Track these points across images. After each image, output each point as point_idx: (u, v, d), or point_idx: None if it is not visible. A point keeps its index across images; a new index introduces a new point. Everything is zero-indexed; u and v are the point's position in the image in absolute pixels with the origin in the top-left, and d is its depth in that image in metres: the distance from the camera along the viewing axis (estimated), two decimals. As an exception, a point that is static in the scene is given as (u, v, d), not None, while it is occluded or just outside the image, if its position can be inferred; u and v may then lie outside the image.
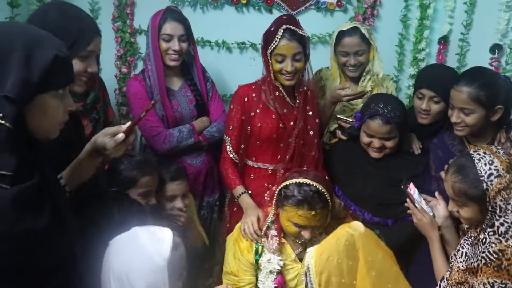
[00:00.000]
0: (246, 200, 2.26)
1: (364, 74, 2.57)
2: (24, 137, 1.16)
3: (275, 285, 1.97)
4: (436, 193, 1.98)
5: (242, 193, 2.29)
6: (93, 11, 2.96)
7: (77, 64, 1.64)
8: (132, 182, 1.99)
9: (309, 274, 1.46)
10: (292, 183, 1.91)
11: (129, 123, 1.50)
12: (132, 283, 1.31)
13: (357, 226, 1.50)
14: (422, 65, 3.15)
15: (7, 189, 1.05)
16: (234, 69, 3.08)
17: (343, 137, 2.43)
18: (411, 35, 3.19)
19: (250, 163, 2.39)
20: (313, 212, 1.85)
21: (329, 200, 1.90)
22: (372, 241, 1.45)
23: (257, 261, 2.01)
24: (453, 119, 2.01)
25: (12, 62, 1.09)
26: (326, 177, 2.07)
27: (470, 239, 1.71)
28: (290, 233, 1.96)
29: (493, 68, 2.74)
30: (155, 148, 2.44)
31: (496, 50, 2.77)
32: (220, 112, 2.60)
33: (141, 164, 2.03)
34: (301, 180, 1.90)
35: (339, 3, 3.10)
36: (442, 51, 3.17)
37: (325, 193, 1.88)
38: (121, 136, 1.44)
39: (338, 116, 2.53)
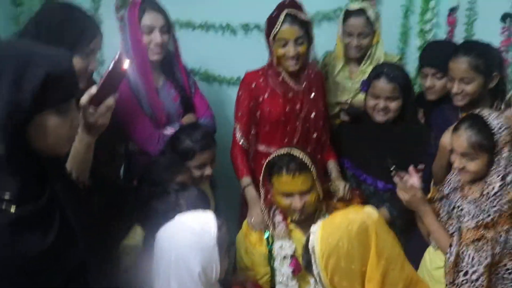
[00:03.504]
0: (250, 193, 2.29)
1: (366, 58, 2.58)
2: (30, 156, 1.15)
3: (292, 268, 2.01)
4: (410, 168, 2.03)
5: (248, 185, 2.32)
6: (94, 1, 2.96)
7: (78, 63, 1.65)
8: (191, 155, 2.11)
9: (314, 256, 1.42)
10: (270, 158, 2.04)
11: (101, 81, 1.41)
12: (189, 265, 1.44)
13: (370, 211, 1.44)
14: (429, 36, 3.09)
15: (11, 212, 1.06)
16: (240, 52, 3.06)
17: (345, 118, 2.52)
18: (417, 7, 3.12)
19: (261, 148, 2.41)
20: (292, 174, 1.94)
21: (307, 164, 1.97)
22: (384, 227, 1.42)
23: (270, 251, 2.05)
24: (454, 89, 2.12)
25: (2, 86, 1.06)
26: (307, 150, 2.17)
27: (461, 199, 1.86)
28: (283, 207, 2.02)
29: (503, 38, 2.72)
30: (149, 150, 2.28)
31: (508, 19, 2.74)
32: (205, 108, 2.50)
33: (200, 138, 2.15)
34: (276, 153, 2.04)
35: (342, -22, 3.05)
36: (453, 22, 3.10)
37: (299, 156, 1.97)
38: (93, 88, 1.39)
39: (337, 101, 2.58)
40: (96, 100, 1.39)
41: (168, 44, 2.33)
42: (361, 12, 2.50)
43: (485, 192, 1.78)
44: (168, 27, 2.30)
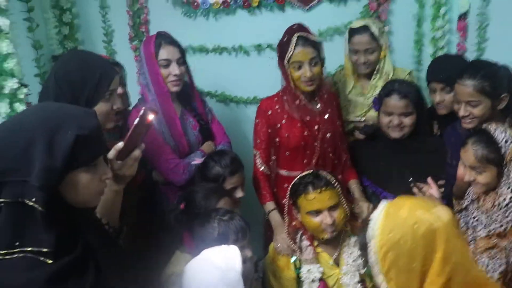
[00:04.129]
0: (275, 218, 2.31)
1: (375, 73, 2.60)
2: (64, 211, 1.22)
3: None
4: (429, 179, 2.04)
5: (272, 210, 2.34)
6: (107, 34, 3.03)
7: (103, 105, 1.74)
8: (222, 180, 2.16)
9: (371, 243, 1.32)
10: (294, 181, 2.08)
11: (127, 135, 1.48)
12: None
13: (441, 212, 1.29)
14: (441, 43, 3.08)
15: (50, 264, 1.13)
16: (254, 72, 3.10)
17: (360, 137, 2.52)
18: (428, 14, 3.11)
19: (282, 172, 2.44)
20: (319, 191, 1.97)
21: (331, 181, 2.02)
22: (455, 231, 1.29)
23: (298, 275, 2.07)
24: (461, 113, 2.07)
25: (36, 152, 1.13)
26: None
27: (476, 210, 1.88)
28: (314, 228, 2.02)
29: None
30: (175, 180, 2.34)
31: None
32: (222, 134, 2.55)
33: (229, 163, 2.21)
34: (299, 176, 2.08)
35: (351, -8, 3.07)
36: (463, 28, 3.09)
37: (322, 174, 2.03)
38: (120, 144, 1.45)
39: (350, 120, 2.59)
40: (122, 154, 1.46)
41: (184, 74, 2.40)
42: (365, 28, 2.52)
43: (496, 203, 1.81)
44: (183, 59, 2.37)
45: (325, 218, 1.98)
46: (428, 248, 1.24)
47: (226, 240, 1.75)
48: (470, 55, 3.06)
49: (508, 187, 1.79)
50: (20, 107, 1.93)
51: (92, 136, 1.22)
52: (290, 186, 2.09)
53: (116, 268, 1.31)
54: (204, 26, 3.09)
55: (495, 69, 2.09)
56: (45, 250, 1.14)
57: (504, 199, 1.79)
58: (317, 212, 2.00)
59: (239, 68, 3.14)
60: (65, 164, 1.16)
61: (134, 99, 2.52)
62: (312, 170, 2.08)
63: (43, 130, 1.16)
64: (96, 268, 1.24)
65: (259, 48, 3.10)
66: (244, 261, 1.53)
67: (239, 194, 2.23)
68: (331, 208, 2.00)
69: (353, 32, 2.55)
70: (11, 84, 1.92)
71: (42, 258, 1.14)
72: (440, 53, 3.08)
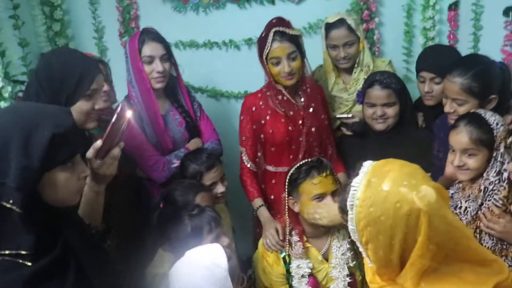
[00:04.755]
0: (263, 214, 2.31)
1: (356, 66, 2.57)
2: (43, 211, 1.21)
3: (310, 287, 2.03)
4: None
5: (260, 206, 2.34)
6: (97, 31, 3.02)
7: (84, 104, 1.73)
8: (199, 176, 2.17)
9: (351, 212, 1.21)
10: (293, 168, 2.07)
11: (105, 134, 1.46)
12: None
13: (427, 193, 1.16)
14: (431, 34, 3.07)
15: (28, 266, 1.12)
16: (245, 67, 3.05)
17: (348, 133, 2.50)
18: (418, 5, 3.10)
19: (269, 168, 2.44)
20: (324, 174, 1.99)
21: (332, 168, 2.07)
22: (440, 212, 1.17)
23: (287, 270, 2.07)
24: (446, 108, 2.05)
25: (12, 152, 1.13)
26: None
27: (462, 199, 1.87)
28: (314, 214, 1.99)
29: (508, 31, 2.67)
30: (154, 178, 2.34)
31: (511, 13, 2.70)
32: (211, 131, 2.53)
33: (205, 160, 2.21)
34: (295, 166, 2.07)
35: (341, -17, 3.05)
36: (453, 18, 3.08)
37: (325, 160, 2.06)
38: (98, 142, 1.44)
39: (337, 116, 2.57)
40: (101, 153, 1.45)
41: (170, 71, 2.38)
42: (341, 22, 2.47)
43: (482, 187, 1.79)
44: (168, 55, 2.35)
45: (329, 203, 1.98)
46: (410, 228, 1.16)
47: (201, 232, 1.78)
48: (462, 46, 3.06)
49: (495, 171, 1.76)
50: (4, 105, 1.91)
51: (68, 134, 1.21)
52: (289, 175, 2.07)
53: (98, 268, 1.31)
54: (194, 20, 3.07)
55: (488, 68, 2.03)
56: (24, 252, 1.13)
57: (490, 183, 1.77)
58: (322, 196, 1.99)
59: (229, 62, 3.13)
60: (42, 164, 1.15)
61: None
62: (311, 158, 2.11)
63: (18, 130, 1.16)
64: (78, 268, 1.24)
65: (249, 42, 3.08)
66: (229, 257, 1.54)
67: (220, 189, 2.23)
68: (333, 193, 2.01)
69: (329, 27, 2.50)
70: (-6, 83, 1.91)
71: (20, 261, 1.13)
72: (430, 43, 3.07)
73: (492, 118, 1.80)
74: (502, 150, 1.74)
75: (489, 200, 1.77)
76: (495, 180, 1.76)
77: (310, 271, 2.04)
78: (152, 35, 2.33)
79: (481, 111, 1.84)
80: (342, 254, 2.04)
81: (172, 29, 3.00)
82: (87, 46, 3.00)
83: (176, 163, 2.31)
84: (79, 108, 1.72)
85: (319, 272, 2.08)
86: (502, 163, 1.74)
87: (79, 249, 1.28)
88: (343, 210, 1.27)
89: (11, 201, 1.12)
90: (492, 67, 2.04)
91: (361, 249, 1.27)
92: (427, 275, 1.19)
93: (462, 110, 1.99)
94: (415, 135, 2.38)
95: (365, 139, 2.44)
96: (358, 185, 1.23)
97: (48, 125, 1.18)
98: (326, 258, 2.09)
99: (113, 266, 1.43)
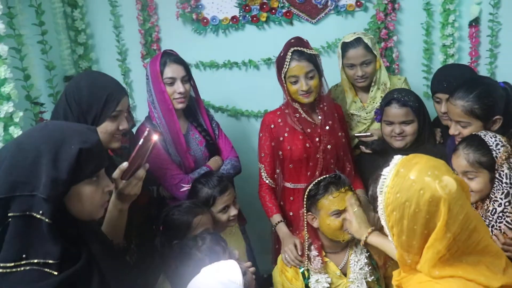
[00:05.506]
0: (282, 230, 2.32)
1: (373, 84, 2.58)
2: (69, 223, 1.28)
3: None
4: None
5: (279, 222, 2.35)
6: (121, 53, 3.11)
7: (109, 125, 1.82)
8: (212, 201, 2.17)
9: (380, 197, 1.36)
10: (311, 184, 2.07)
11: (131, 156, 1.54)
12: None
13: (449, 182, 1.28)
14: (451, 51, 3.08)
15: (55, 275, 1.17)
16: (264, 86, 3.12)
17: (367, 151, 2.50)
18: (437, 22, 3.11)
19: (288, 185, 2.46)
20: (343, 190, 2.00)
21: (350, 184, 2.07)
22: (460, 201, 1.29)
23: (306, 285, 2.07)
24: (451, 131, 2.06)
25: (42, 166, 1.20)
26: None
27: None
28: (336, 229, 2.00)
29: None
30: (178, 196, 2.35)
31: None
32: (229, 149, 2.57)
33: (217, 183, 2.20)
34: (313, 182, 2.08)
35: (358, 3, 3.09)
36: (474, 34, 3.08)
37: (343, 176, 2.06)
38: (125, 164, 1.52)
39: (356, 134, 2.58)
40: (127, 174, 1.53)
41: (190, 92, 2.44)
42: (358, 41, 2.49)
43: (491, 208, 1.80)
44: (188, 77, 2.41)
45: (349, 216, 1.98)
46: (431, 214, 1.27)
47: (218, 256, 1.76)
48: (483, 62, 3.06)
49: (502, 193, 1.77)
50: (15, 131, 1.98)
51: (94, 149, 1.29)
52: (307, 191, 2.08)
53: (120, 279, 1.36)
54: (214, 42, 3.15)
55: (489, 89, 2.02)
56: (51, 261, 1.18)
57: (499, 205, 1.77)
58: (340, 212, 2.00)
59: (249, 82, 3.19)
60: (70, 176, 1.22)
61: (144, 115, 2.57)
62: (329, 174, 2.11)
63: (48, 145, 1.23)
64: (100, 279, 1.28)
65: (268, 62, 3.15)
66: (244, 272, 1.55)
67: (232, 212, 2.22)
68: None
69: (346, 46, 2.51)
70: (6, 107, 1.99)
71: (47, 270, 1.18)
72: (450, 60, 3.09)
73: (492, 139, 1.80)
74: (506, 171, 1.75)
75: (500, 222, 1.77)
76: (505, 203, 1.76)
77: (328, 285, 2.04)
78: (173, 57, 2.39)
79: (482, 133, 1.85)
80: (360, 269, 2.03)
81: (192, 51, 3.10)
82: (111, 69, 3.08)
83: (186, 187, 2.33)
84: (104, 128, 1.80)
85: (337, 287, 2.06)
86: (509, 185, 1.75)
87: (102, 260, 1.33)
88: (374, 198, 1.42)
89: (41, 212, 1.18)
90: (494, 88, 2.04)
91: (388, 235, 1.39)
92: (442, 265, 1.30)
93: (466, 132, 1.99)
94: (433, 151, 2.34)
95: (384, 157, 2.41)
96: (388, 174, 1.36)
97: (75, 140, 1.26)
98: (344, 273, 2.08)
99: (133, 278, 1.46)
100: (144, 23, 3.09)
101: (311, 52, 2.29)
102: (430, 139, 2.39)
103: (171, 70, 2.35)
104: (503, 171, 1.76)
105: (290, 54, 2.26)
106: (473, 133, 1.89)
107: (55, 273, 1.19)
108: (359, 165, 2.55)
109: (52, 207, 1.19)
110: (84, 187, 1.28)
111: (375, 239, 1.86)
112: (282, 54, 2.32)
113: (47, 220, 1.18)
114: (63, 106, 1.81)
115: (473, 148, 1.81)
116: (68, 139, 1.26)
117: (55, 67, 2.69)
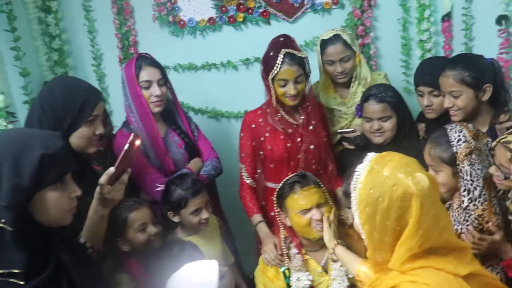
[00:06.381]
0: (262, 230, 2.32)
1: (353, 80, 2.58)
2: (35, 230, 1.25)
3: None
4: None
5: (259, 222, 2.35)
6: (96, 58, 3.08)
7: (85, 130, 1.80)
8: (184, 202, 2.16)
9: (353, 193, 1.38)
10: (280, 186, 2.12)
11: (117, 161, 1.54)
12: None
13: (421, 179, 1.31)
14: (428, 46, 3.09)
15: (22, 285, 1.15)
16: (243, 86, 3.13)
17: (350, 147, 2.50)
18: (413, 17, 3.13)
19: (269, 184, 2.44)
20: (306, 188, 2.03)
21: (317, 181, 2.09)
22: (431, 198, 1.31)
23: (288, 284, 2.07)
24: (446, 104, 2.11)
25: (3, 174, 1.18)
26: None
27: (450, 208, 1.88)
28: (303, 226, 2.03)
29: (502, 39, 2.70)
30: (156, 198, 2.32)
31: (503, 21, 2.72)
32: (209, 149, 2.55)
33: (190, 185, 2.18)
34: (283, 181, 2.12)
35: (334, 1, 3.08)
36: (447, 29, 3.10)
37: (308, 174, 2.10)
38: (111, 169, 1.52)
39: (338, 131, 2.58)
40: (113, 179, 1.53)
41: (166, 94, 2.41)
42: (336, 37, 2.49)
43: (459, 204, 1.82)
44: (164, 79, 2.39)
45: (314, 215, 2.00)
46: (403, 209, 1.29)
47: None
48: (458, 56, 3.07)
49: (465, 190, 1.79)
50: None
51: (57, 155, 1.27)
52: (276, 191, 2.10)
53: (91, 285, 1.32)
54: (191, 44, 3.13)
55: (477, 59, 2.11)
56: (16, 271, 1.16)
57: (464, 202, 1.79)
58: (306, 210, 2.02)
59: (228, 83, 3.17)
60: (32, 183, 1.20)
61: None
62: (297, 173, 2.12)
63: (9, 152, 1.21)
64: (70, 286, 1.26)
65: (247, 62, 3.14)
66: (223, 276, 1.54)
67: (204, 215, 2.20)
68: (319, 206, 2.03)
69: (325, 43, 2.51)
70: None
71: (13, 280, 1.16)
72: (428, 55, 3.10)
73: (455, 134, 1.82)
74: (467, 167, 1.76)
75: (465, 220, 1.79)
76: (467, 199, 1.78)
77: (310, 283, 2.04)
78: (148, 60, 2.36)
79: (449, 126, 1.87)
80: (341, 266, 2.03)
81: (170, 53, 3.08)
82: (86, 74, 3.06)
83: (160, 187, 2.31)
84: (81, 134, 1.79)
85: (319, 285, 2.07)
86: (472, 181, 1.76)
87: (72, 267, 1.31)
88: (347, 194, 1.43)
89: (3, 220, 1.16)
90: (481, 58, 2.13)
91: (360, 232, 1.40)
92: (412, 259, 1.31)
93: (459, 102, 2.06)
94: (415, 146, 2.35)
95: (366, 152, 2.42)
96: (362, 170, 1.39)
97: (37, 146, 1.23)
98: (325, 270, 2.08)
99: (105, 284, 1.44)
100: (121, 27, 3.06)
101: (301, 56, 2.26)
102: (412, 134, 2.38)
103: (147, 74, 2.32)
104: (463, 167, 1.78)
105: (282, 56, 2.21)
106: (444, 126, 1.90)
107: (21, 283, 1.16)
108: (342, 161, 2.53)
109: (14, 214, 1.17)
110: (48, 193, 1.26)
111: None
112: (271, 54, 2.25)
113: (10, 228, 1.16)
114: (38, 113, 1.78)
115: (435, 143, 1.85)
116: (30, 145, 1.23)
117: (29, 74, 2.64)
